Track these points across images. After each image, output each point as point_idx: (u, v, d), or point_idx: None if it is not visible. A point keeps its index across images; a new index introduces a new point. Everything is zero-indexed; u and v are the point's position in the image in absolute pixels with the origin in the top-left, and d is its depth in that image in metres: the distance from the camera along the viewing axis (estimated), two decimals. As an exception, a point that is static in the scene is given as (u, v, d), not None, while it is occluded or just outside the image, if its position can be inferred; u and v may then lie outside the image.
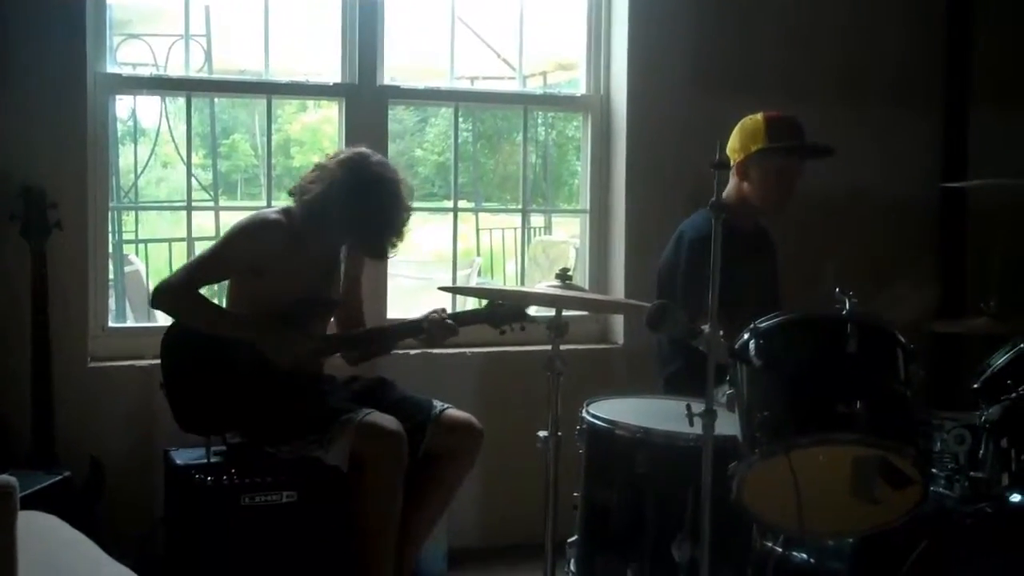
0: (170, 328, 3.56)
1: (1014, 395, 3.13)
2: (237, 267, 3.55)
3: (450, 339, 3.67)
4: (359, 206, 3.47)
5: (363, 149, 3.61)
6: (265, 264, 3.50)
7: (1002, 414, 3.12)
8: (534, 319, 3.65)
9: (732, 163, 3.68)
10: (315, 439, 3.43)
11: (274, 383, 3.53)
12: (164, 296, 3.46)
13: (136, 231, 6.67)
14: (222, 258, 3.53)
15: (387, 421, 3.43)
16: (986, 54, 4.89)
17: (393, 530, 3.47)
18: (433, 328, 3.62)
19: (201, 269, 3.54)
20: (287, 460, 3.48)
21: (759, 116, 3.69)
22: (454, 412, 3.65)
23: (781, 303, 3.87)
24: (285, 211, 3.59)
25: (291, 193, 3.61)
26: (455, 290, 4.41)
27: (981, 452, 3.11)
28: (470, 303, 5.68)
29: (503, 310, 3.63)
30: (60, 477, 3.51)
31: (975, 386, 3.22)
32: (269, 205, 4.25)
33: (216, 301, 3.66)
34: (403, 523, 3.52)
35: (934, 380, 4.56)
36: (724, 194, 3.64)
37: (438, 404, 3.65)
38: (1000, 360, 3.26)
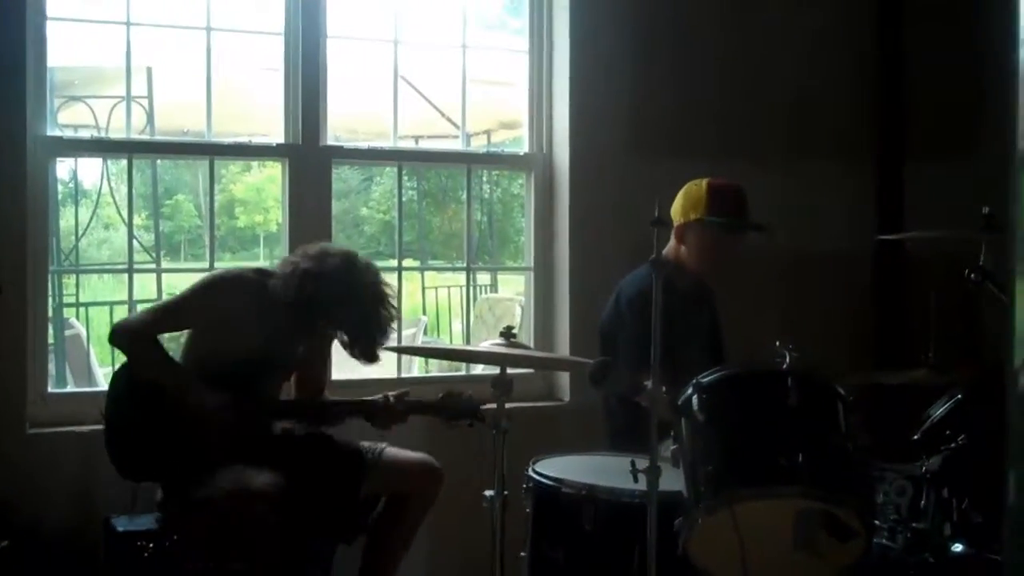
0: None
1: (954, 445, 3.19)
2: (199, 319, 3.52)
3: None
4: (359, 309, 3.45)
5: (349, 250, 3.57)
6: (227, 320, 3.45)
7: (942, 464, 3.17)
8: (484, 419, 3.50)
9: (673, 224, 3.66)
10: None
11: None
12: (121, 337, 3.45)
13: (77, 294, 6.61)
14: (185, 308, 3.53)
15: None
16: (919, 107, 5.00)
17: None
18: (383, 412, 3.57)
19: (164, 315, 3.54)
20: None
21: (703, 184, 3.64)
22: (397, 453, 3.64)
23: (724, 353, 3.90)
24: (261, 272, 3.55)
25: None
26: (401, 350, 4.40)
27: (923, 503, 3.15)
28: (416, 362, 5.69)
29: (455, 404, 3.58)
30: (-2, 547, 3.44)
31: (915, 437, 3.28)
32: (212, 267, 4.23)
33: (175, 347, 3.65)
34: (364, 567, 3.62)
35: (875, 431, 4.61)
36: (664, 251, 3.66)
37: (378, 445, 3.63)
38: (939, 411, 3.32)
